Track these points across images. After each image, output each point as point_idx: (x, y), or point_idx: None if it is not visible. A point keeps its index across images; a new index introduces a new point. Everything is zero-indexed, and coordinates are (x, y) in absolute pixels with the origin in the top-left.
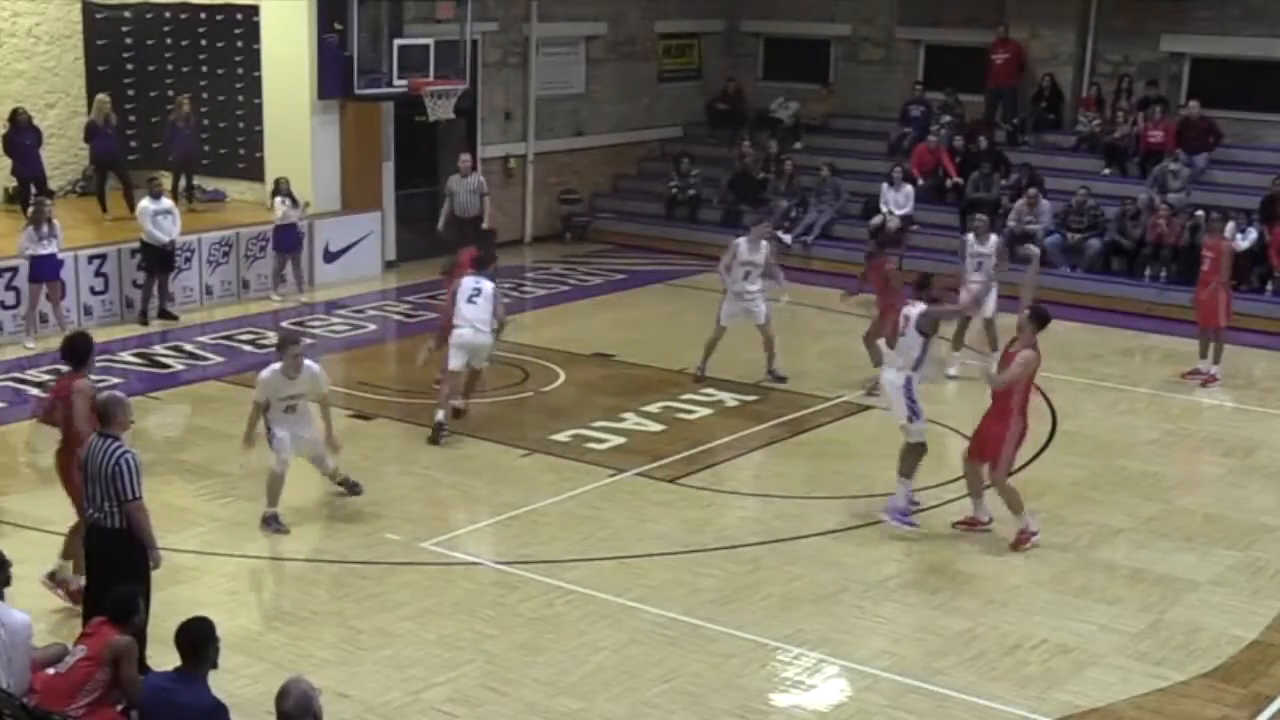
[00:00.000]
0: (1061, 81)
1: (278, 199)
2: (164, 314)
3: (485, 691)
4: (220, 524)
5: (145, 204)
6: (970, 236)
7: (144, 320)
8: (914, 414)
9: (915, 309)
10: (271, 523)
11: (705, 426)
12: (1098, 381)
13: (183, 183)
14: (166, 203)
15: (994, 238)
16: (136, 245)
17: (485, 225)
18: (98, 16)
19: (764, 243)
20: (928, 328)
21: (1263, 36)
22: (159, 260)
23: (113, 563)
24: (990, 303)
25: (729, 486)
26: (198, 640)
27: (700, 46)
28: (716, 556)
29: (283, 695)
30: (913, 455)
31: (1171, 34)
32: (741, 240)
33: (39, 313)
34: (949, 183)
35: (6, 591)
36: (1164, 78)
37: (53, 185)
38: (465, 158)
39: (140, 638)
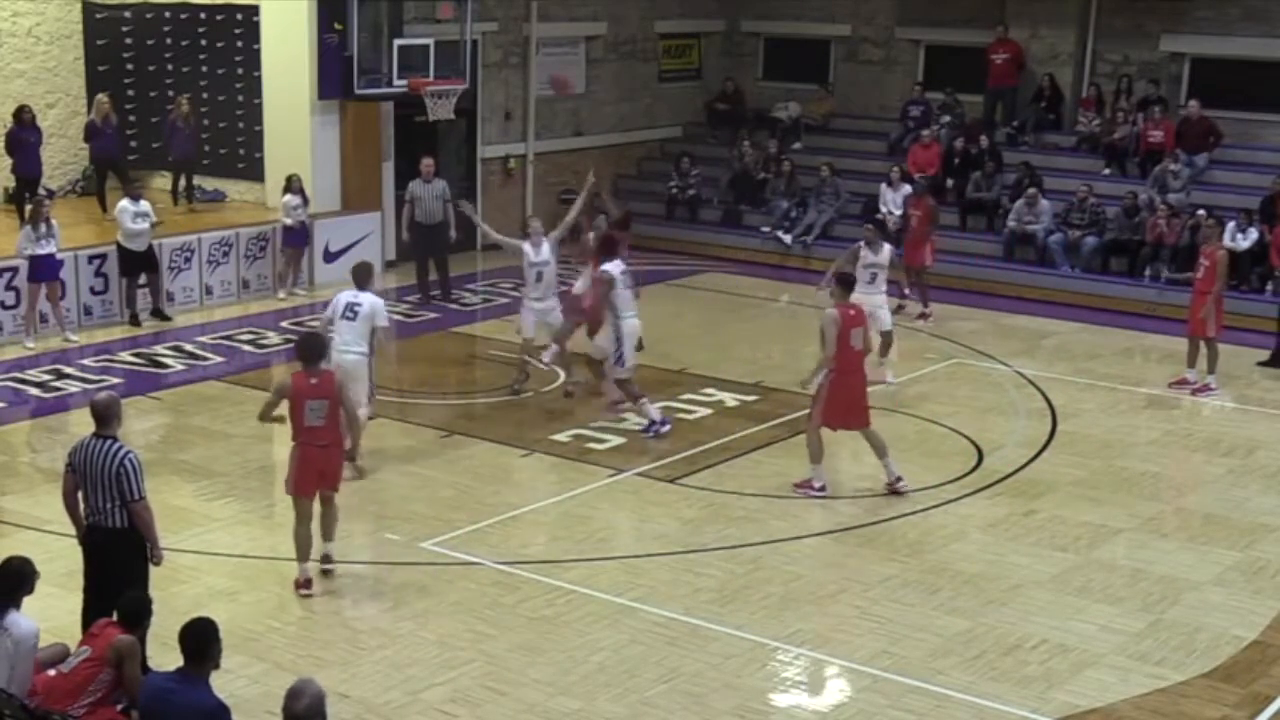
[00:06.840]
0: (1061, 81)
1: (287, 196)
2: (157, 314)
3: (485, 691)
4: (220, 524)
5: (124, 204)
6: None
7: (135, 322)
8: None
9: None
10: None
11: (705, 426)
12: (1097, 381)
13: (182, 183)
14: (144, 206)
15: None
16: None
17: (453, 234)
18: (98, 16)
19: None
20: None
21: (1263, 36)
22: (134, 263)
23: (113, 562)
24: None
25: (729, 486)
26: (202, 640)
27: (700, 46)
28: (716, 556)
29: (296, 695)
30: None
31: (1171, 34)
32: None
33: (39, 312)
34: (920, 178)
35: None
36: (1164, 78)
37: (53, 185)
38: (428, 161)
39: (141, 638)
